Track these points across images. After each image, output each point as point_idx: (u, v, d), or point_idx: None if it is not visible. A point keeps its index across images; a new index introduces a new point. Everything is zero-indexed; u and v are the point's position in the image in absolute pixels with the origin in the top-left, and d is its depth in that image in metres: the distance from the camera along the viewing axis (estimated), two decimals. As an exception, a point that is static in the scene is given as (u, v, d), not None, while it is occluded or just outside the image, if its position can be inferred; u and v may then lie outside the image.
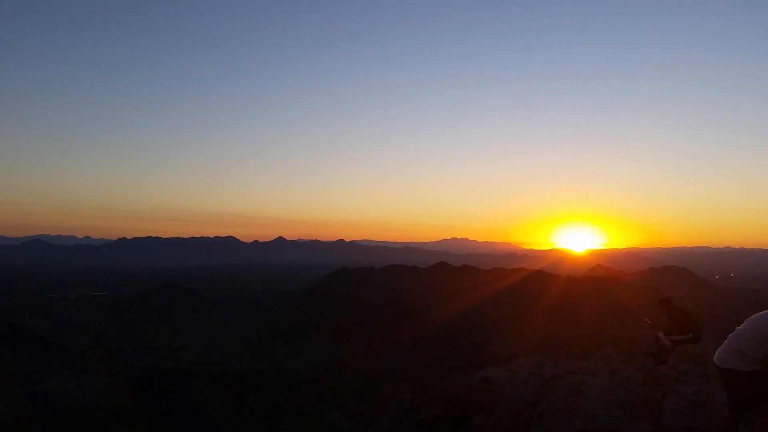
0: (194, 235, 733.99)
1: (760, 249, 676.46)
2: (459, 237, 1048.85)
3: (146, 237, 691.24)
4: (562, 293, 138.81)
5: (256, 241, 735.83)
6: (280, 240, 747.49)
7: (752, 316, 6.10)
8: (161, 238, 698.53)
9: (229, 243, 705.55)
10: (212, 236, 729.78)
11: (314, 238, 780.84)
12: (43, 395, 70.35)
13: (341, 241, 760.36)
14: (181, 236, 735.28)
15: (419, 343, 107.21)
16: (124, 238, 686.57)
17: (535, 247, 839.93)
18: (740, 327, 6.09)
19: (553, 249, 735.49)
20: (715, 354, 6.27)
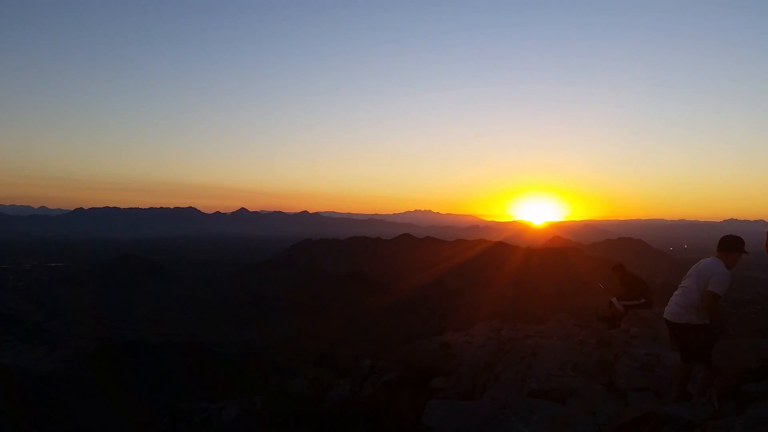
0: (153, 206, 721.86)
1: (713, 221, 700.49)
2: (423, 209, 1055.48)
3: (104, 207, 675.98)
4: (521, 264, 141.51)
5: (217, 212, 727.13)
6: (243, 211, 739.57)
7: (691, 272, 6.38)
8: (119, 208, 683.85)
9: (189, 214, 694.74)
10: (172, 207, 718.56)
11: (277, 210, 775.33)
12: (-2, 368, 68.83)
13: (305, 212, 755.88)
14: (140, 206, 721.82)
15: (382, 314, 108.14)
16: (81, 208, 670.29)
17: (496, 219, 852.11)
18: (685, 284, 6.34)
19: (513, 221, 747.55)
20: (666, 312, 6.50)
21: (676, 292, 6.45)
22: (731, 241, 6.12)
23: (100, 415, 44.59)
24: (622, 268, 11.77)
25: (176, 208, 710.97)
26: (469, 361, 10.08)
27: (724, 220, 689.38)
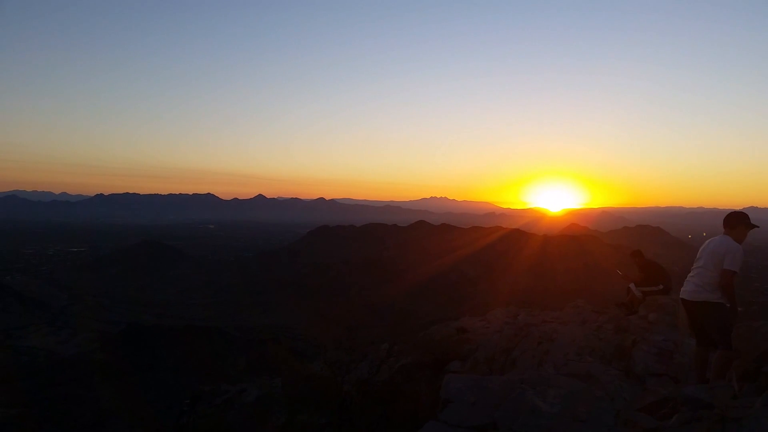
0: (173, 192, 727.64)
1: (733, 209, 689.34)
2: (438, 196, 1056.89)
3: (124, 193, 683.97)
4: (538, 251, 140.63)
5: (235, 199, 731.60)
6: (260, 198, 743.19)
7: (702, 253, 6.43)
8: (139, 194, 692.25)
9: (208, 200, 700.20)
10: (191, 193, 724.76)
11: (294, 196, 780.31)
12: (23, 350, 70.29)
13: (321, 199, 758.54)
14: (159, 192, 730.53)
15: (398, 300, 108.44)
16: (101, 194, 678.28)
17: (513, 207, 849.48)
18: (700, 264, 6.39)
19: (530, 208, 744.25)
20: (682, 292, 6.54)
21: (690, 274, 6.53)
22: (735, 217, 6.42)
23: (123, 397, 45.42)
24: (640, 254, 11.73)
25: (195, 195, 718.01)
26: (486, 346, 10.15)
27: (744, 208, 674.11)
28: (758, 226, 6.57)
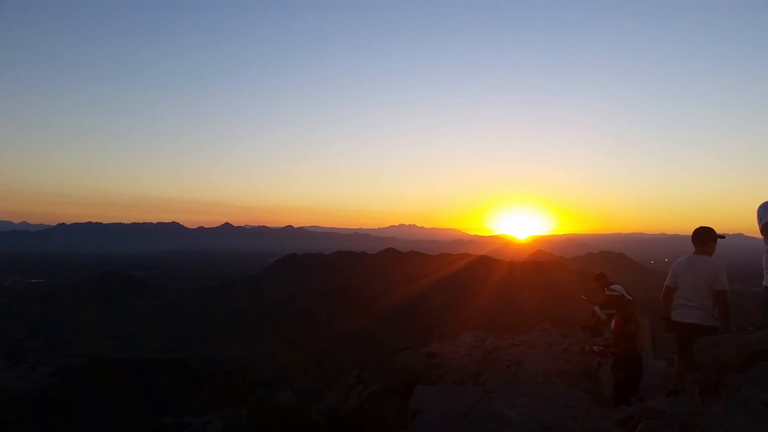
0: (136, 221, 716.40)
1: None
2: (407, 223, 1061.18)
3: (86, 222, 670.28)
4: (505, 278, 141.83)
5: (201, 227, 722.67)
6: (227, 226, 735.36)
7: (686, 276, 6.53)
8: (102, 223, 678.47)
9: (172, 229, 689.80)
10: (155, 222, 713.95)
11: (262, 224, 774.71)
12: (-24, 387, 67.43)
13: (289, 227, 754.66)
14: (123, 221, 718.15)
15: (367, 328, 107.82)
16: (63, 223, 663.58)
17: (480, 234, 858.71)
18: (696, 293, 6.46)
19: (497, 235, 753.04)
20: (691, 317, 6.50)
21: (686, 299, 6.58)
22: (703, 233, 6.72)
23: (81, 433, 43.88)
24: (604, 277, 11.93)
25: (159, 223, 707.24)
26: (455, 370, 10.17)
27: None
28: (724, 237, 6.79)
